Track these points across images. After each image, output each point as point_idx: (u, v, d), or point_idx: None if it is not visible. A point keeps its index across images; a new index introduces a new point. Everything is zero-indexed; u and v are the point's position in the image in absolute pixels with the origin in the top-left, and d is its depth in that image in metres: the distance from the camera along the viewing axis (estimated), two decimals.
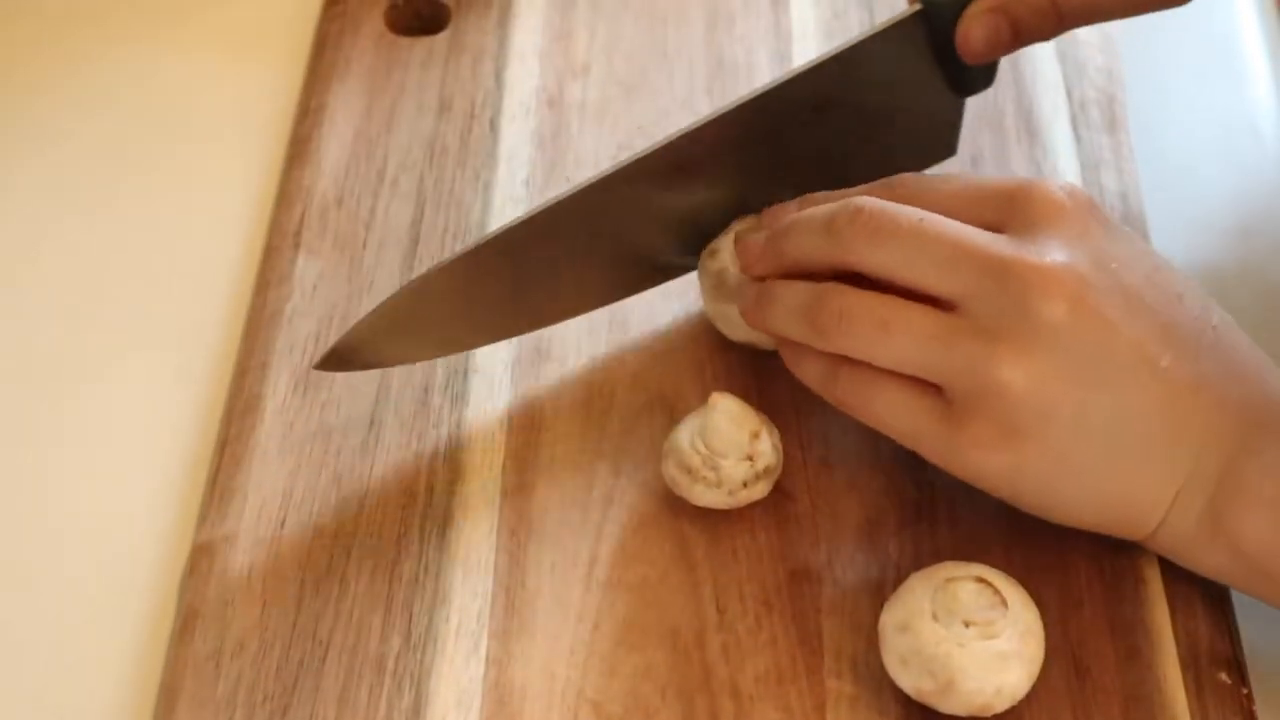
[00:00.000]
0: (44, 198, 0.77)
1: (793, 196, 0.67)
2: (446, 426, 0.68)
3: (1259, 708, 0.61)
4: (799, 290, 0.63)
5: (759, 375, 0.68)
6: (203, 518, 0.66)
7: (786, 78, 0.66)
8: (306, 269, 0.73)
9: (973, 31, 0.67)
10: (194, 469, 0.68)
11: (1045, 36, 0.67)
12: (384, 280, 0.72)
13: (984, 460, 0.60)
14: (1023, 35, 0.67)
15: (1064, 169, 0.75)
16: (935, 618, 0.59)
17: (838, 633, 0.62)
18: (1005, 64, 0.80)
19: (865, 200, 0.62)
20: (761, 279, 0.65)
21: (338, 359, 0.65)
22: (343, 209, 0.75)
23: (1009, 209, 0.61)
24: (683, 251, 0.69)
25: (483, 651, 0.62)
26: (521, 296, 0.67)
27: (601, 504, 0.65)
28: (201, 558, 0.64)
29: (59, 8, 0.84)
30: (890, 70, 0.67)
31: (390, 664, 0.61)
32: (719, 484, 0.63)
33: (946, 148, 0.72)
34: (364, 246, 0.74)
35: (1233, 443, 0.59)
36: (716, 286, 0.68)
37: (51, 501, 0.68)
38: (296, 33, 0.82)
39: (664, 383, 0.69)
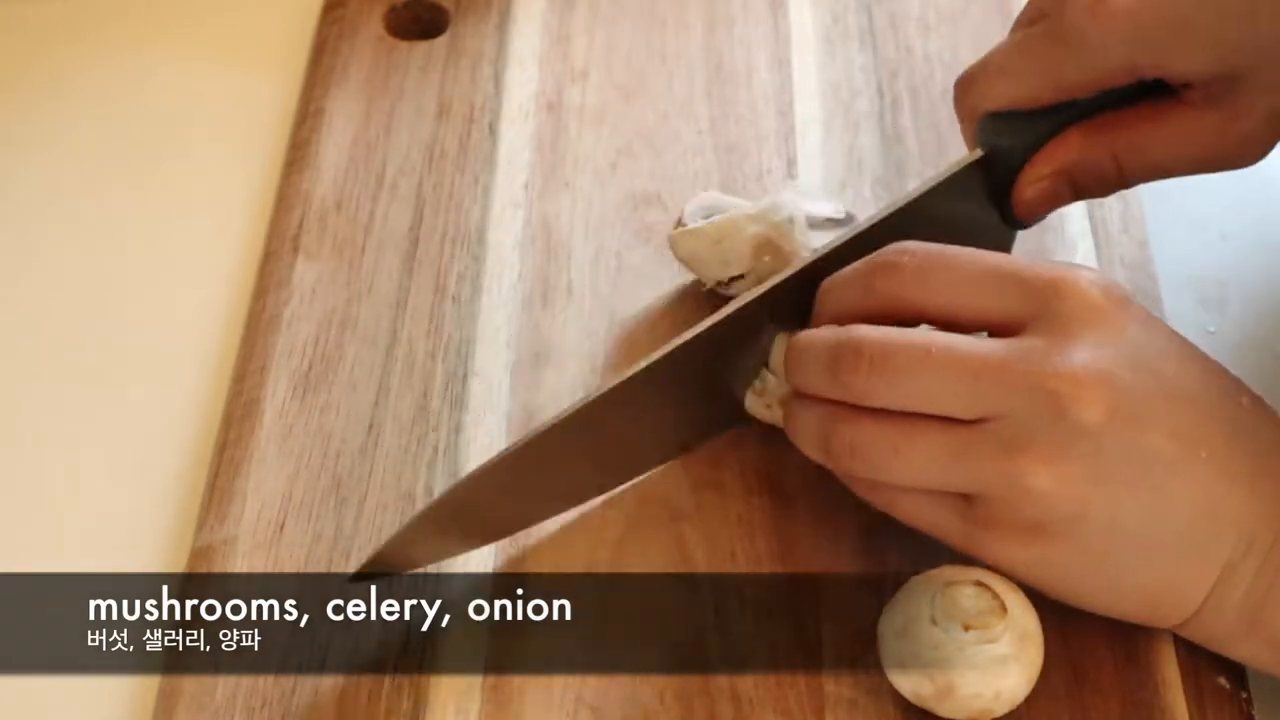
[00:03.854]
0: (44, 202, 0.77)
1: None
2: (445, 430, 0.68)
3: (1258, 712, 0.61)
4: (812, 416, 0.60)
5: None
6: (202, 522, 0.66)
7: (849, 236, 0.64)
8: (305, 273, 0.73)
9: (1031, 194, 0.65)
10: (193, 473, 0.68)
11: (1105, 195, 0.66)
12: (383, 284, 0.72)
13: (1010, 555, 0.59)
14: (1082, 196, 0.65)
15: None
16: (934, 621, 0.59)
17: (837, 636, 0.62)
18: None
19: (863, 337, 0.58)
20: None
21: (376, 568, 0.61)
22: (341, 213, 0.75)
23: (1039, 304, 0.58)
24: (730, 416, 0.66)
25: (481, 656, 0.61)
26: (561, 484, 0.64)
27: (600, 507, 0.65)
28: (201, 561, 0.64)
29: (57, 14, 0.84)
30: (948, 215, 0.65)
31: (389, 668, 0.61)
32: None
33: None
34: (363, 250, 0.74)
35: (1271, 530, 0.58)
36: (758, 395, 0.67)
37: (51, 505, 0.68)
38: (295, 37, 0.82)
39: None
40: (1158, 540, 0.58)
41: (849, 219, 0.73)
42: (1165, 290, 0.72)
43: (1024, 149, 0.64)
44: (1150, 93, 0.64)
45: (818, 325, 0.62)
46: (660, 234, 0.73)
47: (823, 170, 0.76)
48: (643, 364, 0.62)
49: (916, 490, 0.59)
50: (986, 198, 0.66)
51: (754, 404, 0.66)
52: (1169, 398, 0.57)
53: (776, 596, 0.63)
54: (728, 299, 0.70)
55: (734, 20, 0.82)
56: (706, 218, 0.71)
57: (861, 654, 0.61)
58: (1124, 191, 0.74)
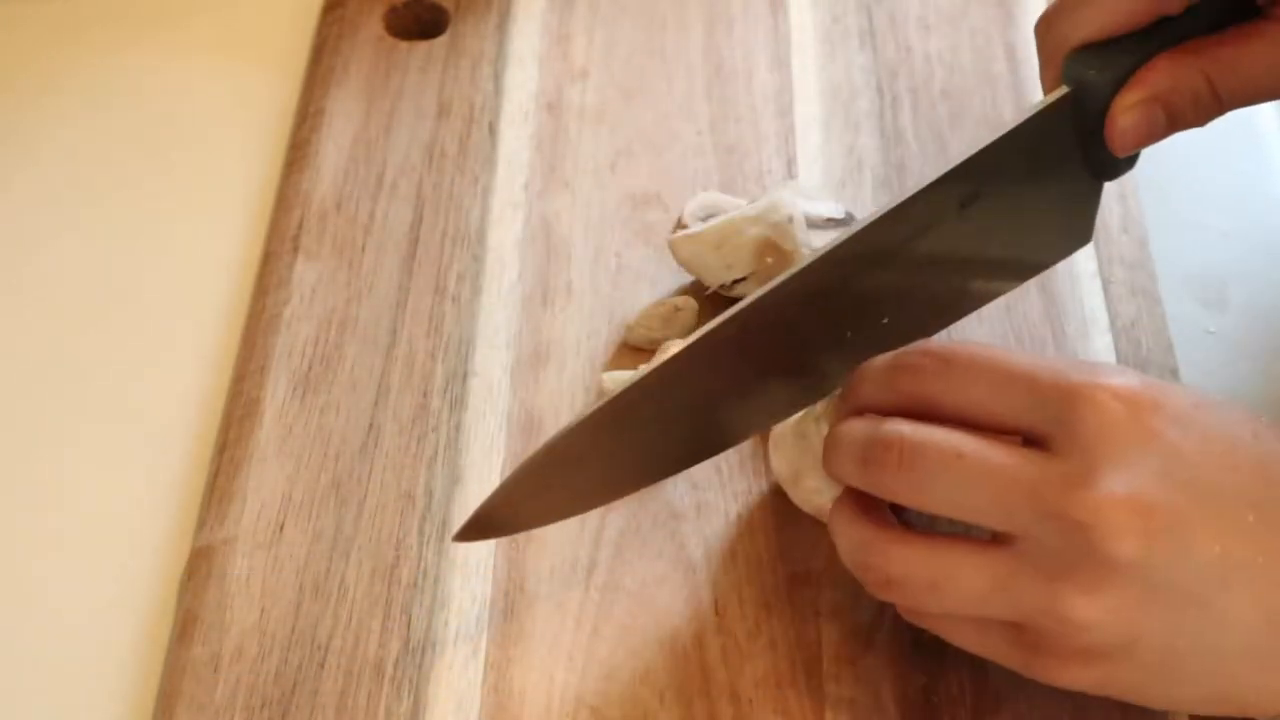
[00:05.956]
0: (43, 202, 0.77)
1: (932, 308, 0.61)
2: (445, 430, 0.68)
3: None
4: (848, 536, 0.58)
5: None
6: (201, 522, 0.66)
7: (939, 176, 0.61)
8: (305, 273, 0.73)
9: (1125, 122, 0.61)
10: (193, 473, 0.68)
11: (1202, 123, 0.62)
12: (383, 284, 0.72)
13: (1073, 677, 0.56)
14: (1178, 124, 0.61)
15: None
16: (816, 420, 0.62)
17: (837, 636, 0.62)
18: (1004, 71, 0.80)
19: (896, 432, 0.56)
20: None
21: (478, 528, 0.61)
22: (341, 213, 0.75)
23: (1054, 419, 0.55)
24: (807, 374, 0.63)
25: (481, 656, 0.62)
26: (658, 449, 0.62)
27: (600, 508, 0.65)
28: (200, 562, 0.64)
29: (56, 14, 0.84)
30: (1034, 158, 0.62)
31: (389, 668, 0.61)
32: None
33: (1081, 236, 0.66)
34: (363, 250, 0.74)
35: None
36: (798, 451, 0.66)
37: (50, 505, 0.68)
38: (295, 36, 0.83)
39: None
40: (1219, 657, 0.55)
41: (849, 219, 0.73)
42: (1165, 290, 0.72)
43: (1114, 80, 0.61)
44: (1239, 17, 0.61)
45: (845, 414, 0.60)
46: (660, 234, 0.73)
47: (823, 170, 0.76)
48: (723, 318, 0.60)
49: (962, 617, 0.57)
50: (1074, 143, 0.62)
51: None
52: (1211, 506, 0.54)
53: (776, 596, 0.63)
54: (732, 301, 0.70)
55: (734, 20, 0.82)
56: (706, 218, 0.71)
57: (861, 654, 0.61)
58: (1124, 191, 0.75)
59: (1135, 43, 0.61)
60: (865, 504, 0.58)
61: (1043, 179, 0.63)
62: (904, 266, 0.61)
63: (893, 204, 0.60)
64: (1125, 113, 0.61)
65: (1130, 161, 0.64)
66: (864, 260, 0.61)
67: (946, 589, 0.56)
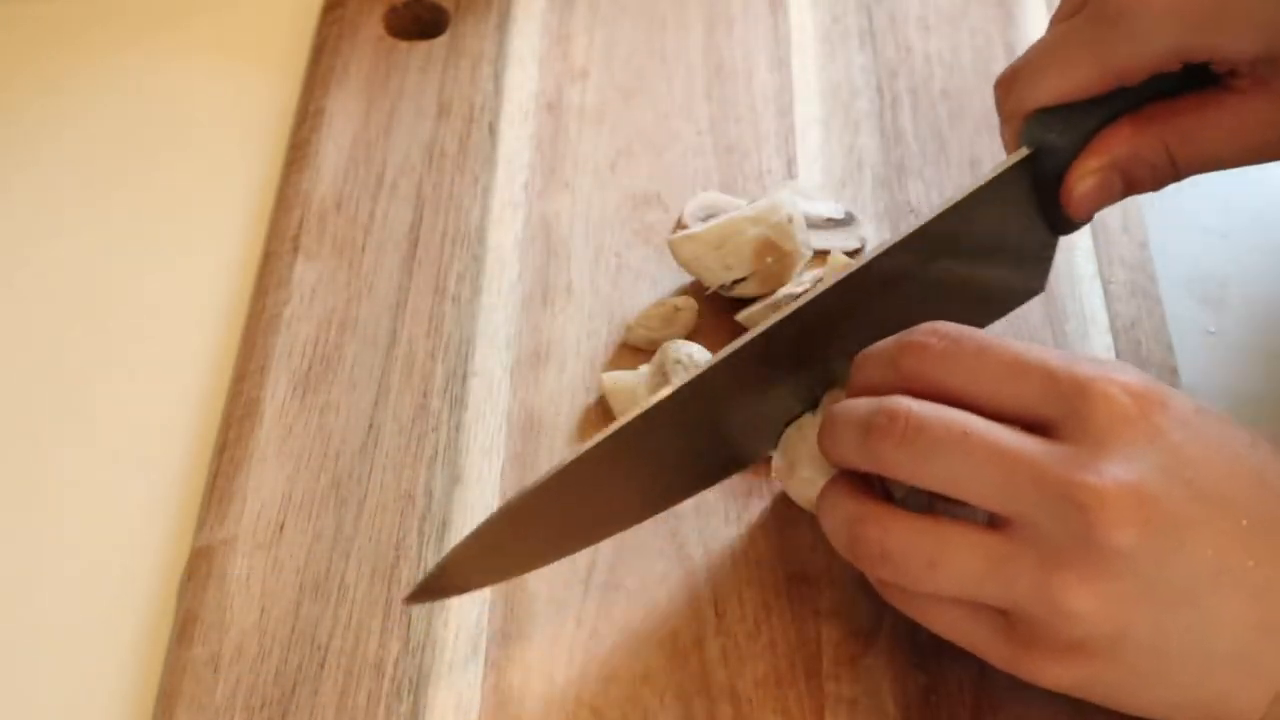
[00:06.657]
0: (43, 202, 0.77)
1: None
2: (445, 430, 0.68)
3: None
4: (841, 513, 0.58)
5: None
6: (201, 522, 0.66)
7: (901, 238, 0.61)
8: (305, 273, 0.73)
9: (1083, 188, 0.62)
10: (193, 473, 0.68)
11: (1156, 189, 0.63)
12: (383, 284, 0.72)
13: (1055, 676, 0.55)
14: (1134, 190, 0.63)
15: None
16: (817, 414, 0.62)
17: (837, 636, 0.62)
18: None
19: (901, 405, 0.56)
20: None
21: (427, 591, 0.60)
22: (341, 213, 0.75)
23: (1065, 409, 0.55)
24: (768, 434, 0.64)
25: (481, 656, 0.62)
26: (619, 503, 0.62)
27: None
28: (200, 562, 0.64)
29: (56, 14, 0.84)
30: (994, 217, 0.63)
31: (389, 669, 0.61)
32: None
33: (1037, 285, 0.67)
34: (363, 250, 0.74)
35: None
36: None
37: (50, 505, 0.68)
38: (295, 37, 0.83)
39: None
40: (1205, 658, 0.55)
41: (849, 219, 0.73)
42: (1165, 290, 0.72)
43: (1073, 144, 0.62)
44: (1197, 83, 0.62)
45: (848, 396, 0.60)
46: (660, 234, 0.73)
47: (823, 170, 0.76)
48: (695, 373, 0.60)
49: (951, 601, 0.56)
50: (1031, 201, 0.63)
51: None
52: (1209, 507, 0.54)
53: (776, 596, 0.63)
54: (732, 301, 0.70)
55: (734, 20, 0.82)
56: (706, 218, 0.71)
57: (861, 654, 0.61)
58: None
59: (1094, 107, 0.62)
60: (859, 482, 0.58)
61: (1002, 233, 0.64)
62: (864, 320, 0.61)
63: (853, 266, 0.61)
64: (1083, 178, 0.62)
65: (1086, 218, 0.64)
66: (827, 315, 0.61)
67: (944, 566, 0.55)
